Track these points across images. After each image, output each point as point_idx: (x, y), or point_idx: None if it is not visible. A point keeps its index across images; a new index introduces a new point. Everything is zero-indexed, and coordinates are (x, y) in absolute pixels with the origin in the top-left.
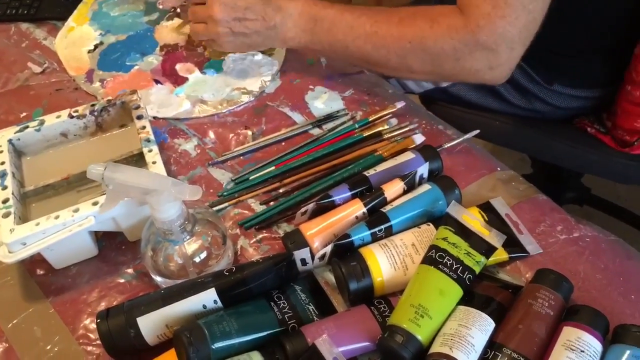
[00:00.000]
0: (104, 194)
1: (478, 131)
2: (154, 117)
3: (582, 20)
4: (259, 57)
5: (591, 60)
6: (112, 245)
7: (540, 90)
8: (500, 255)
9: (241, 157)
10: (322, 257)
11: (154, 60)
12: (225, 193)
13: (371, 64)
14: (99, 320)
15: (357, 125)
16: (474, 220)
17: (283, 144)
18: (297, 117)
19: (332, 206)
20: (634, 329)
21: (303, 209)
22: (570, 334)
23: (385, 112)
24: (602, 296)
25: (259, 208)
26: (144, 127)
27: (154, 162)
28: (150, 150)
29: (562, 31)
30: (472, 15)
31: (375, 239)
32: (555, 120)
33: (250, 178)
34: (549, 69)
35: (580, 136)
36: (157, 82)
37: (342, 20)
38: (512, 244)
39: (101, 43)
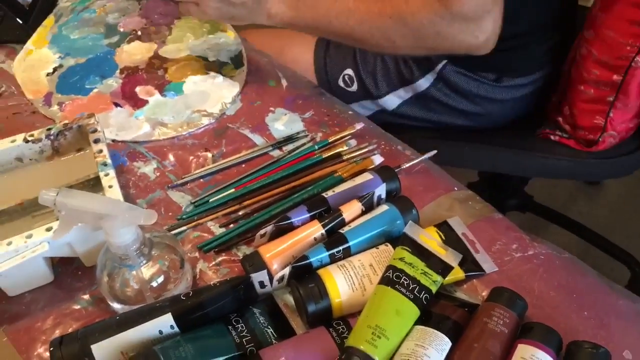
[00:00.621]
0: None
1: (435, 152)
2: (113, 140)
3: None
4: (220, 79)
5: (530, 43)
6: (68, 271)
7: (487, 89)
8: (457, 274)
9: (201, 180)
10: (281, 279)
11: (113, 83)
12: (184, 216)
13: (356, 40)
14: (52, 349)
15: (316, 147)
16: (430, 240)
17: (243, 165)
18: (258, 139)
19: (291, 228)
20: (586, 345)
21: (262, 231)
22: (524, 351)
23: (344, 133)
24: (555, 313)
25: (218, 231)
26: (100, 151)
27: (110, 186)
28: (106, 174)
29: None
30: None
31: (333, 260)
32: (520, 135)
33: (210, 200)
34: (496, 67)
35: (547, 146)
36: (116, 105)
37: None
38: (469, 263)
39: (60, 66)
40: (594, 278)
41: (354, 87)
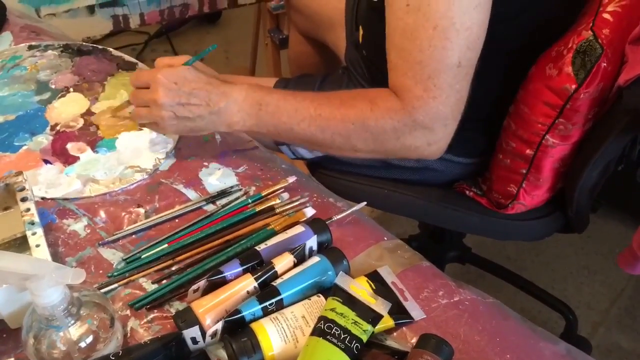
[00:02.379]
0: None
1: (365, 203)
2: (42, 198)
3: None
4: (154, 135)
5: (474, 130)
6: None
7: (428, 161)
8: (387, 322)
9: (133, 236)
10: (214, 334)
11: (43, 139)
12: (115, 273)
13: (316, 144)
14: None
15: (250, 200)
16: (361, 289)
17: (177, 220)
18: (191, 194)
19: (224, 282)
20: None
21: (195, 286)
22: None
23: (277, 187)
24: (480, 357)
25: (150, 287)
26: (28, 210)
27: (37, 245)
28: (34, 233)
29: None
30: (407, 98)
31: (266, 313)
32: (436, 184)
33: (142, 257)
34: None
35: (461, 199)
36: (46, 162)
37: (286, 104)
38: (398, 311)
39: None
40: (516, 321)
41: None
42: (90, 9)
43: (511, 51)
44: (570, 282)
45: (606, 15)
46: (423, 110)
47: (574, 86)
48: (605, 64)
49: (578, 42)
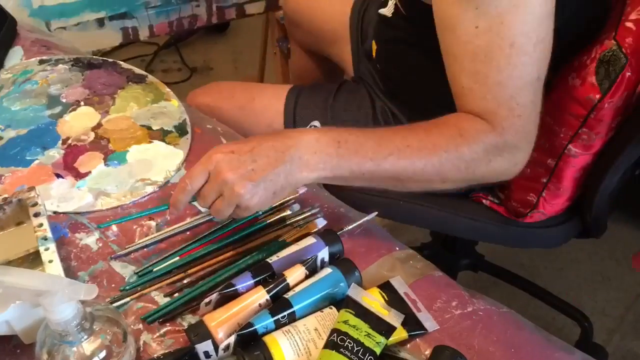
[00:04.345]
0: None
1: (376, 213)
2: (54, 212)
3: None
4: (164, 147)
5: None
6: (5, 349)
7: None
8: (400, 334)
9: (145, 249)
10: (226, 348)
11: (55, 154)
12: (127, 287)
13: (405, 180)
14: None
15: (261, 212)
16: (373, 301)
17: (188, 233)
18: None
19: (236, 295)
20: None
21: (207, 299)
22: None
23: (288, 198)
24: None
25: (162, 301)
26: (41, 225)
27: (50, 261)
28: (47, 249)
29: None
30: (494, 120)
31: (278, 325)
32: (453, 195)
33: (154, 270)
34: None
35: (478, 209)
36: (58, 176)
37: (366, 139)
38: (411, 322)
39: (0, 138)
40: (531, 331)
41: None
42: (100, 22)
43: None
44: (585, 288)
45: (629, 24)
46: (512, 130)
47: (598, 96)
48: (629, 73)
49: (601, 51)
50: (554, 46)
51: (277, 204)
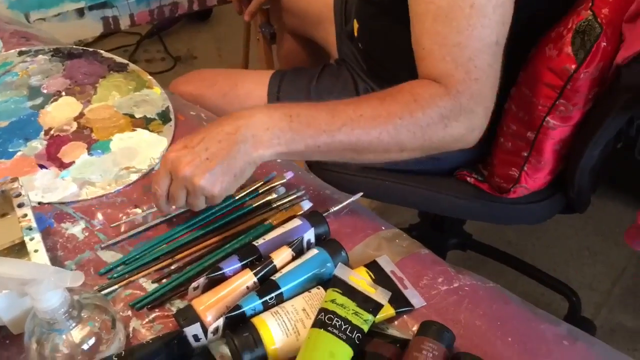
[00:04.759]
0: None
1: (361, 194)
2: (39, 203)
3: None
4: (147, 135)
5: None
6: None
7: None
8: (387, 311)
9: (131, 237)
10: (215, 330)
11: (38, 145)
12: (115, 275)
13: (361, 150)
14: None
15: (247, 197)
16: (360, 280)
17: (174, 220)
18: None
19: (223, 278)
20: None
21: (195, 284)
22: None
23: (274, 184)
24: (482, 342)
25: (151, 287)
26: (25, 215)
27: (35, 251)
28: (32, 239)
29: None
30: (449, 83)
31: (266, 307)
32: (436, 173)
33: (141, 257)
34: None
35: (462, 187)
36: (41, 166)
37: (318, 112)
38: (398, 300)
39: None
40: (517, 305)
41: None
42: (80, 12)
43: (513, 35)
44: (572, 264)
45: None
46: (468, 93)
47: (573, 66)
48: (605, 44)
49: (577, 22)
50: (525, 17)
51: (262, 189)
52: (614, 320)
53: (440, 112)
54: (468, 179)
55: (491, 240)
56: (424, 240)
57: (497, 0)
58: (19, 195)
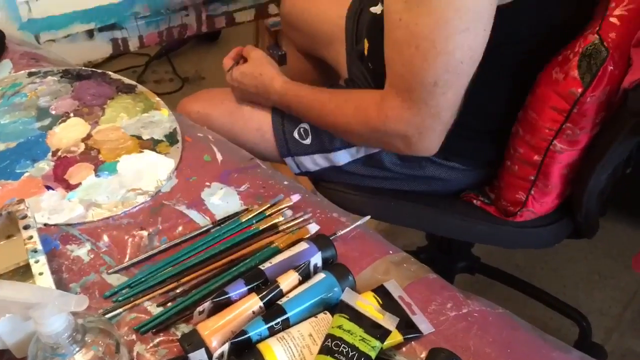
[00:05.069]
0: None
1: (369, 217)
2: (45, 224)
3: (477, 104)
4: (154, 156)
5: (483, 140)
6: None
7: (435, 168)
8: (395, 337)
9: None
10: (220, 356)
11: (45, 166)
12: (120, 298)
13: (322, 116)
14: None
15: (254, 220)
16: (367, 305)
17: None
18: (194, 215)
19: (229, 302)
20: None
21: (200, 308)
22: None
23: (281, 207)
24: None
25: (156, 311)
26: (30, 237)
27: (40, 274)
28: (37, 261)
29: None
30: (384, 107)
31: (272, 332)
32: (444, 195)
33: (147, 280)
34: (447, 149)
35: (468, 209)
36: (48, 188)
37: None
38: (406, 326)
39: None
40: (527, 331)
41: (308, 141)
42: (89, 34)
43: (520, 62)
44: (582, 288)
45: (613, 20)
46: (395, 119)
47: (580, 90)
48: (611, 67)
49: (584, 45)
50: (534, 41)
51: (269, 212)
52: (625, 345)
53: (365, 132)
54: (475, 201)
55: (499, 263)
56: (431, 263)
57: (443, 49)
58: (25, 217)
